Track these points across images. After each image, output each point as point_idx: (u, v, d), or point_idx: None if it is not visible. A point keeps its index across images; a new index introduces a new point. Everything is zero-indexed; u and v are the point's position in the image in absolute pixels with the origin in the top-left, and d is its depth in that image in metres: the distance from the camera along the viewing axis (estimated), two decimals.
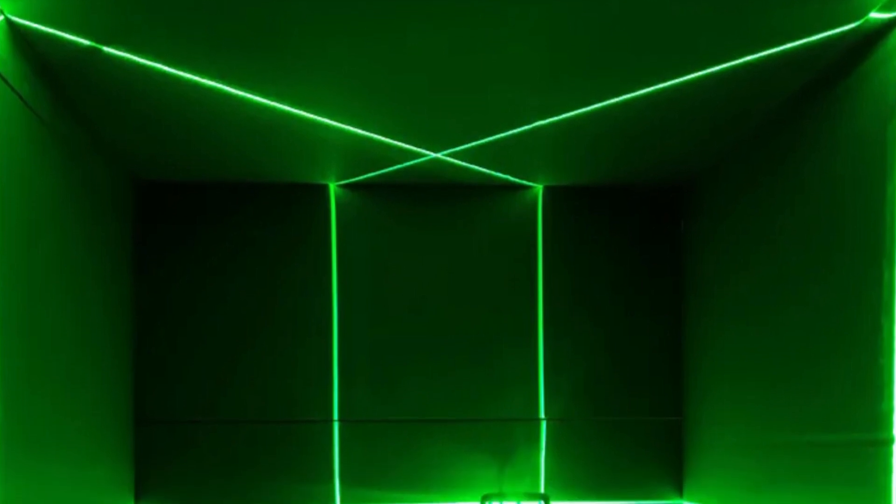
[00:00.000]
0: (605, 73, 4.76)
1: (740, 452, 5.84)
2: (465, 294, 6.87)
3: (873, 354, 4.08)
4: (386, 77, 4.78)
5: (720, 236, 6.15)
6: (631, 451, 6.93)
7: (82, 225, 5.40)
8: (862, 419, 4.20)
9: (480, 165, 6.27)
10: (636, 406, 6.93)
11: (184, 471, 6.70)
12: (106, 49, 4.36)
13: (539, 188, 6.82)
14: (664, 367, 6.96)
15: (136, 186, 6.54)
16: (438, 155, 6.01)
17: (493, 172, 6.43)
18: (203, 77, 4.72)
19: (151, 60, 4.51)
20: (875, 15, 4.05)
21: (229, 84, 4.81)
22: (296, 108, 5.17)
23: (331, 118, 5.34)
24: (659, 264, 6.94)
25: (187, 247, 6.70)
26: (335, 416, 6.72)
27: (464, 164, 6.19)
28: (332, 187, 6.72)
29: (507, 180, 6.64)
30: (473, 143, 5.80)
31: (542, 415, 6.83)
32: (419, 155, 6.00)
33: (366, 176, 6.52)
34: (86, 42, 4.29)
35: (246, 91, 4.90)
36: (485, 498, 6.17)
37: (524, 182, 6.72)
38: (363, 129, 5.52)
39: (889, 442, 3.96)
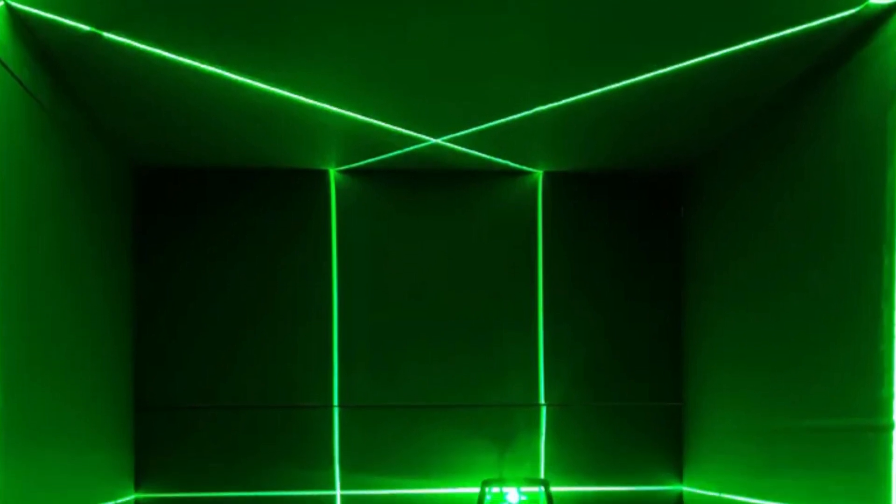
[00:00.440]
0: (604, 60, 4.76)
1: (740, 438, 5.85)
2: (465, 279, 6.87)
3: (873, 341, 4.09)
4: (386, 63, 4.78)
5: (720, 222, 6.16)
6: (631, 436, 6.93)
7: (82, 211, 5.40)
8: (862, 405, 4.21)
9: (480, 151, 6.27)
10: (636, 391, 6.94)
11: (184, 457, 6.71)
12: (106, 35, 4.35)
13: (539, 174, 6.81)
14: (664, 353, 6.96)
15: (135, 173, 6.55)
16: (438, 140, 6.01)
17: (492, 158, 6.43)
18: (203, 63, 4.72)
19: (151, 46, 4.51)
20: (875, 0, 4.04)
21: (229, 70, 4.81)
22: (296, 94, 5.17)
23: (331, 104, 5.34)
24: (658, 250, 6.94)
25: (187, 233, 6.70)
26: (335, 401, 6.73)
27: (464, 149, 6.19)
28: (333, 173, 6.72)
29: (506, 166, 6.63)
30: (473, 129, 5.80)
31: (542, 400, 6.84)
32: (419, 140, 6.00)
33: (366, 161, 6.51)
34: (86, 28, 4.29)
35: (246, 77, 4.90)
36: (485, 483, 6.17)
37: (524, 168, 6.72)
38: (363, 114, 5.52)
39: (889, 428, 3.96)
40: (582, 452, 6.90)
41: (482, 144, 6.14)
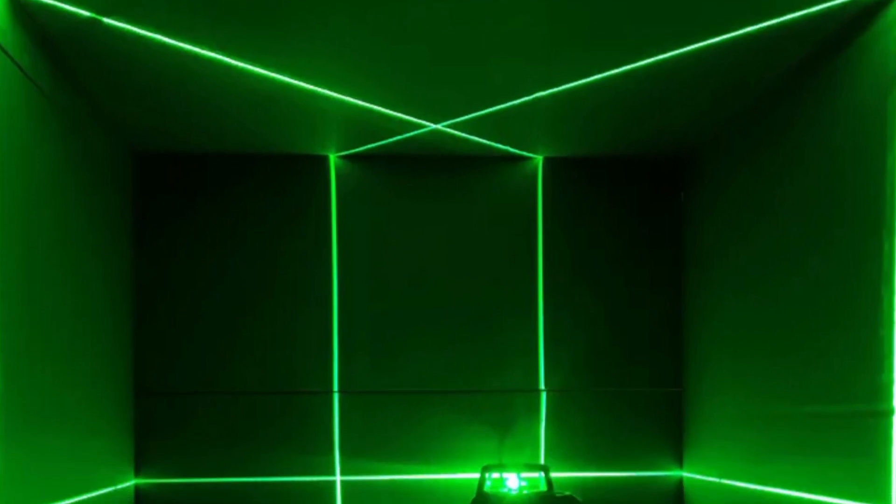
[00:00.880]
0: (605, 45, 4.76)
1: (740, 423, 5.86)
2: (465, 266, 6.87)
3: (873, 326, 4.10)
4: (386, 48, 4.78)
5: (720, 207, 6.15)
6: (631, 422, 6.94)
7: (82, 196, 5.40)
8: (862, 390, 4.22)
9: (480, 136, 6.26)
10: (636, 377, 6.95)
11: (184, 442, 6.72)
12: (106, 20, 4.35)
13: (539, 159, 6.81)
14: (664, 339, 6.97)
15: (135, 158, 6.54)
16: (439, 126, 6.00)
17: (493, 143, 6.43)
18: (203, 48, 4.71)
19: (151, 32, 4.50)
20: None
21: (229, 55, 4.81)
22: (296, 80, 5.17)
23: (331, 89, 5.33)
24: (659, 235, 6.93)
25: (187, 218, 6.70)
26: (335, 387, 6.74)
27: (464, 135, 6.19)
28: (333, 158, 6.72)
29: (507, 151, 6.63)
30: (474, 115, 5.80)
31: (542, 386, 6.85)
32: (419, 126, 6.00)
33: (366, 147, 6.51)
34: (86, 13, 4.29)
35: (246, 62, 4.90)
36: (485, 469, 6.18)
37: (524, 153, 6.72)
38: (363, 100, 5.52)
39: (889, 413, 3.97)
40: (582, 438, 6.90)
41: (482, 130, 6.13)
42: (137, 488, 6.62)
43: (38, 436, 4.57)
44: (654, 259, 6.96)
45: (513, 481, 6.08)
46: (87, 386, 5.51)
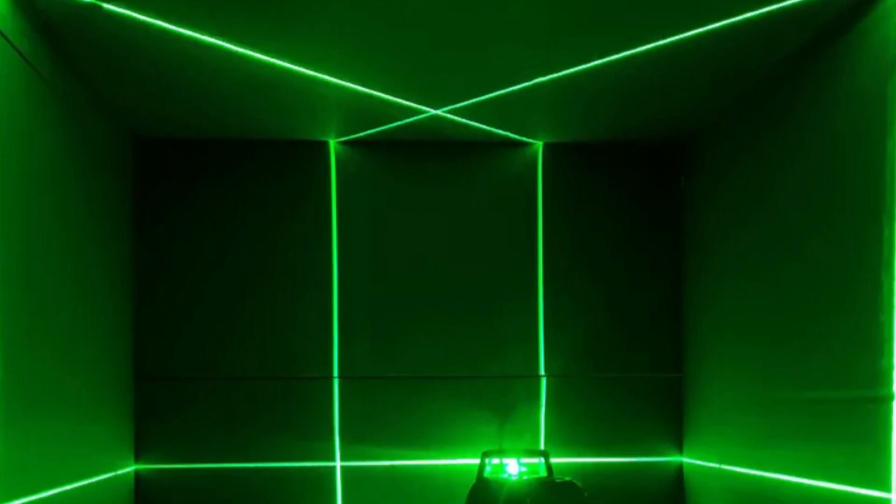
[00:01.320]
0: (605, 30, 4.75)
1: (740, 409, 5.87)
2: (466, 251, 6.87)
3: (873, 311, 4.10)
4: (386, 34, 4.77)
5: (720, 193, 6.16)
6: (631, 407, 6.95)
7: (82, 182, 5.41)
8: (862, 376, 4.23)
9: (480, 122, 6.26)
10: (636, 362, 6.95)
11: (184, 427, 6.72)
12: (106, 6, 4.34)
13: (539, 145, 6.81)
14: (664, 324, 6.97)
15: (135, 143, 6.54)
16: (438, 112, 6.00)
17: (493, 129, 6.42)
18: (203, 34, 4.71)
19: (151, 17, 4.50)
20: None
21: (229, 41, 4.80)
22: (296, 65, 5.16)
23: (331, 75, 5.33)
24: (659, 221, 6.94)
25: (187, 204, 6.70)
26: (335, 372, 6.74)
27: (464, 120, 6.19)
28: (333, 144, 6.72)
29: (506, 137, 6.63)
30: (474, 100, 5.79)
31: (542, 371, 6.86)
32: (419, 112, 6.00)
33: (366, 133, 6.51)
34: None
35: (246, 48, 4.90)
36: (485, 454, 6.18)
37: (524, 139, 6.71)
38: (363, 85, 5.52)
39: (889, 398, 3.98)
40: (582, 423, 6.91)
41: (482, 115, 6.13)
42: (137, 474, 6.63)
43: (37, 421, 4.57)
44: (654, 244, 6.96)
45: (513, 467, 6.09)
46: (87, 371, 5.52)
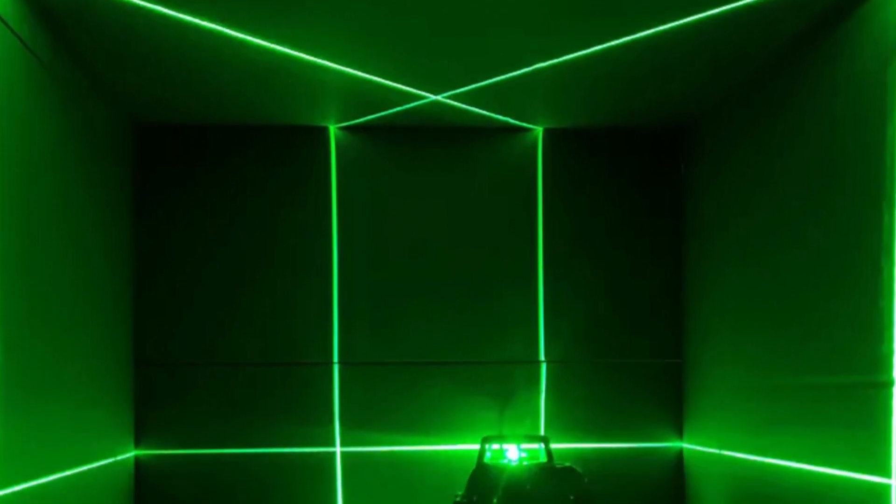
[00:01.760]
0: (605, 15, 4.74)
1: (740, 395, 5.87)
2: (466, 237, 6.87)
3: (873, 297, 4.10)
4: (387, 19, 4.76)
5: (721, 179, 6.15)
6: (631, 393, 6.95)
7: (82, 167, 5.41)
8: (862, 361, 4.23)
9: (480, 108, 6.26)
10: (636, 348, 6.96)
11: (183, 413, 6.73)
12: None
13: (539, 130, 6.81)
14: (664, 310, 6.98)
15: (135, 129, 6.54)
16: (439, 97, 6.00)
17: (493, 115, 6.42)
18: (203, 19, 4.70)
19: (151, 3, 4.49)
20: None
21: (229, 26, 4.80)
22: (296, 51, 5.16)
23: (331, 60, 5.32)
24: (659, 207, 6.93)
25: (187, 189, 6.70)
26: (335, 358, 6.75)
27: (464, 106, 6.18)
28: (333, 130, 6.71)
29: (506, 123, 6.63)
30: (474, 86, 5.79)
31: (542, 357, 6.86)
32: (419, 97, 5.99)
33: (366, 118, 6.51)
34: None
35: (246, 33, 4.89)
36: (485, 440, 6.18)
37: (524, 124, 6.71)
38: (363, 71, 5.51)
39: (889, 384, 3.98)
40: (582, 409, 6.92)
41: (482, 101, 6.13)
42: (137, 459, 6.64)
43: (37, 407, 4.58)
44: (654, 230, 6.96)
45: (513, 452, 6.09)
46: (87, 356, 5.52)
